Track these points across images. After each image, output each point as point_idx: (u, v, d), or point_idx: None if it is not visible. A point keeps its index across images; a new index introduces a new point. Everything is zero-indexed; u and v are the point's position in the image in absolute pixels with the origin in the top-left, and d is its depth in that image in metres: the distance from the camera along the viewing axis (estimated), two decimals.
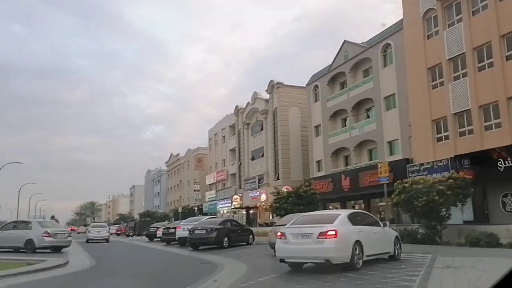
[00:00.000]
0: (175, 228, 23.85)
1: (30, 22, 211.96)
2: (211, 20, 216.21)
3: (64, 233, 18.00)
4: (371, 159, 32.36)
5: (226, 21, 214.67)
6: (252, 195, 46.15)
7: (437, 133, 25.57)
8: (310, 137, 39.02)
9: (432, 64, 25.86)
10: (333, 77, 36.22)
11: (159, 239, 29.84)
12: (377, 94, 30.51)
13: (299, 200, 26.57)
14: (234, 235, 19.73)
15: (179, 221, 28.05)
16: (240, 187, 52.11)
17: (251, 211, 49.97)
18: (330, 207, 34.15)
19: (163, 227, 28.98)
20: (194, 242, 19.15)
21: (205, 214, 48.04)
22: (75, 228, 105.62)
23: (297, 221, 10.42)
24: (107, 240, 32.16)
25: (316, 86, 38.40)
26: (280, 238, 9.76)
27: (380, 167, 15.75)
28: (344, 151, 34.95)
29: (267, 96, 46.85)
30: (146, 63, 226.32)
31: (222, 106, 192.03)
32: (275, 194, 28.42)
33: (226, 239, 18.82)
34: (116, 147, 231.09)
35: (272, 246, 13.99)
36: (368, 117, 32.61)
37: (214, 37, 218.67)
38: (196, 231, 18.83)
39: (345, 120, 35.50)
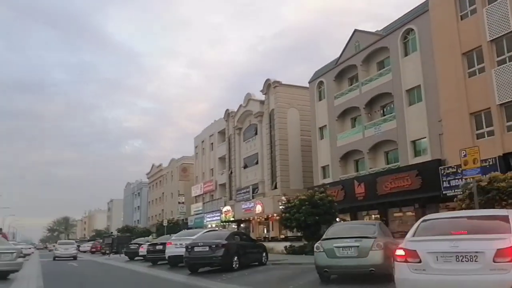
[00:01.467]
0: (164, 244, 18.99)
1: (5, 34, 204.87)
2: (192, 35, 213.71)
3: (12, 253, 12.86)
4: (387, 163, 28.21)
5: (207, 36, 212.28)
6: (245, 206, 41.44)
7: (477, 129, 21.59)
8: (314, 140, 34.69)
9: (469, 48, 22.01)
10: (341, 71, 32.19)
11: (142, 258, 24.97)
12: (398, 88, 26.49)
13: (314, 209, 22.09)
14: (245, 252, 15.02)
15: (168, 235, 23.16)
16: (230, 198, 47.31)
17: (242, 225, 45.17)
18: (337, 219, 29.51)
19: (148, 243, 24.08)
20: (193, 263, 14.38)
21: (190, 229, 43.02)
22: (47, 246, 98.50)
23: (424, 227, 5.85)
24: (74, 258, 31.42)
25: (321, 83, 34.26)
26: (406, 262, 5.25)
27: (466, 155, 11.38)
28: (355, 155, 30.72)
29: (262, 97, 42.50)
30: (124, 76, 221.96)
31: (202, 120, 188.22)
32: (285, 202, 23.87)
33: (236, 258, 14.12)
34: (94, 161, 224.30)
35: (321, 270, 9.45)
36: (384, 114, 28.55)
37: (194, 52, 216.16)
38: (196, 248, 14.07)
39: (355, 119, 31.40)
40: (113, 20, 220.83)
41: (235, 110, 47.51)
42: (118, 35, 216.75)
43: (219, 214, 47.55)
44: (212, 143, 55.55)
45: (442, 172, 22.23)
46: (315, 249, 9.53)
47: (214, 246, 13.76)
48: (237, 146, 46.82)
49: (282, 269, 14.30)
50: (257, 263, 16.16)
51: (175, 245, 17.06)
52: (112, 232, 72.35)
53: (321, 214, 22.09)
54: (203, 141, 58.56)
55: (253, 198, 41.25)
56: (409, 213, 27.06)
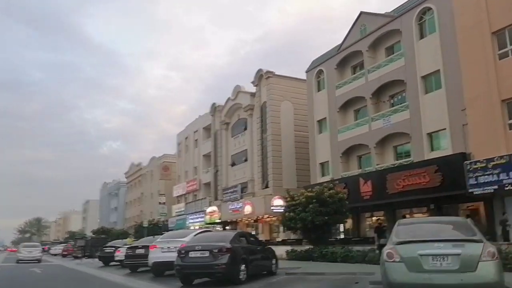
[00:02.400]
0: (146, 247, 15.57)
1: None
2: (173, 37, 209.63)
3: None
4: (397, 158, 25.38)
5: (188, 38, 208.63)
6: (233, 207, 38.17)
7: (510, 118, 18.85)
8: (311, 134, 31.65)
9: (500, 26, 19.30)
10: (344, 59, 29.30)
11: (118, 264, 21.42)
12: (411, 74, 23.70)
13: (322, 208, 18.95)
14: (253, 259, 11.72)
15: (150, 237, 19.65)
16: (215, 199, 43.92)
17: (227, 227, 41.78)
18: None
19: (126, 246, 20.57)
20: (187, 273, 11.02)
21: (171, 231, 39.46)
22: (15, 249, 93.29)
23: None
24: (39, 261, 30.58)
25: (320, 71, 31.28)
26: None
27: None
28: (358, 150, 27.82)
29: (252, 89, 39.31)
30: (104, 77, 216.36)
31: (182, 123, 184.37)
32: (288, 199, 20.68)
33: (243, 266, 10.83)
34: (72, 162, 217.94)
35: None
36: (393, 105, 25.74)
37: (175, 54, 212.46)
38: (192, 254, 10.71)
39: (359, 111, 28.52)
40: (94, 21, 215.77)
41: (223, 104, 44.19)
42: (99, 36, 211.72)
43: (202, 215, 44.19)
44: (196, 140, 52.00)
45: (468, 168, 19.39)
46: (385, 258, 6.34)
47: (216, 251, 10.43)
48: (224, 142, 43.53)
49: (303, 282, 11.07)
50: (266, 272, 12.89)
51: (161, 249, 13.67)
52: (85, 234, 67.83)
53: (330, 213, 19.01)
54: (186, 138, 54.95)
55: (241, 198, 38.03)
56: (420, 215, 24.29)
